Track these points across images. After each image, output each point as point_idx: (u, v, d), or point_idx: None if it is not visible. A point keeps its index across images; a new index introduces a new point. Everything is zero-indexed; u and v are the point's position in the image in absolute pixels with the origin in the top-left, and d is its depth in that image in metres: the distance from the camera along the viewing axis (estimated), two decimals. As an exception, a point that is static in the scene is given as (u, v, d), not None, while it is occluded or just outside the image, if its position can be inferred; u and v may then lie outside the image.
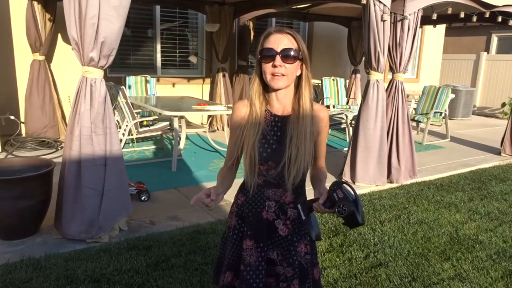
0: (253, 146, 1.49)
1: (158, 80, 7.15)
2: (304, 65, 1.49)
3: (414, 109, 7.87)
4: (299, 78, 1.51)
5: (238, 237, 1.60)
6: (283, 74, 1.44)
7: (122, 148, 4.57)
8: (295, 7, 7.04)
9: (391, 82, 4.73)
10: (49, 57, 6.15)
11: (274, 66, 1.43)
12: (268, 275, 1.56)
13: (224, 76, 7.30)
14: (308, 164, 1.52)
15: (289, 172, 1.48)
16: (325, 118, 1.58)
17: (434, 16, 5.20)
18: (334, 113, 7.22)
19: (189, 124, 7.02)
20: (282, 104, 1.53)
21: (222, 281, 1.61)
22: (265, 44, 1.45)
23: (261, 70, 1.47)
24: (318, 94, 8.20)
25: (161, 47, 7.38)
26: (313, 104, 1.54)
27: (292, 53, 1.43)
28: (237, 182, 1.70)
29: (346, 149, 5.27)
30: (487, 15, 5.38)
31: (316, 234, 1.41)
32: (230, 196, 4.34)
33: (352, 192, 1.36)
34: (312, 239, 1.49)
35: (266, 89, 1.53)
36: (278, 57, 1.42)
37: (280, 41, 1.43)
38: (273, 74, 1.44)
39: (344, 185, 1.38)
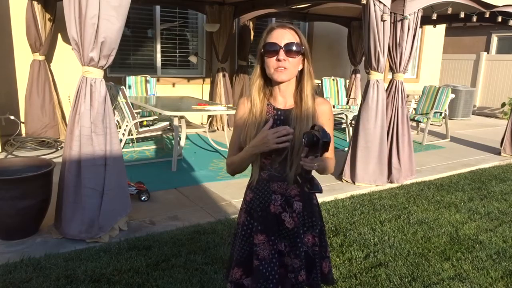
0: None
1: (158, 80, 7.15)
2: (305, 60, 1.53)
3: (414, 109, 7.87)
4: (301, 73, 1.55)
5: (246, 233, 1.62)
6: (286, 67, 1.47)
7: (122, 148, 4.57)
8: (295, 7, 7.05)
9: (391, 82, 4.73)
10: (49, 57, 6.15)
11: (278, 60, 1.46)
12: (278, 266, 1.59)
13: (224, 76, 7.30)
14: None
15: (291, 162, 1.50)
16: (327, 111, 1.59)
17: (434, 16, 5.20)
18: (334, 113, 7.21)
19: (189, 124, 7.02)
20: (284, 97, 1.56)
21: (231, 276, 1.63)
22: (268, 39, 1.48)
23: (263, 65, 1.51)
24: (318, 94, 8.20)
25: (161, 47, 7.38)
26: (316, 97, 1.57)
27: (295, 47, 1.47)
28: (245, 181, 1.70)
29: (346, 149, 5.28)
30: (487, 15, 5.38)
31: (314, 188, 1.40)
32: (231, 196, 4.32)
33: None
34: (309, 190, 1.45)
35: (268, 83, 1.56)
36: (281, 51, 1.46)
37: (283, 35, 1.47)
38: (276, 68, 1.47)
39: (315, 125, 1.41)
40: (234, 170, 1.62)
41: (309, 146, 1.35)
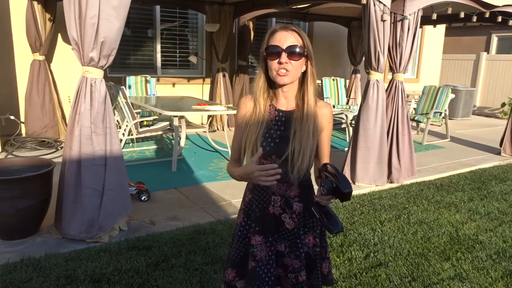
0: (255, 140, 1.51)
1: (158, 80, 7.15)
2: (309, 62, 1.52)
3: (414, 109, 7.87)
4: (304, 74, 1.53)
5: (243, 234, 1.62)
6: (288, 70, 1.46)
7: (122, 148, 4.57)
8: (295, 7, 7.05)
9: (391, 82, 4.73)
10: (49, 57, 6.15)
11: (279, 63, 1.45)
12: (277, 266, 1.59)
13: (224, 76, 7.30)
14: (311, 160, 1.53)
15: (292, 166, 1.50)
16: (328, 115, 1.58)
17: (434, 16, 5.20)
18: (334, 113, 7.20)
19: (189, 124, 7.02)
20: (286, 99, 1.56)
21: (224, 277, 1.63)
22: (271, 41, 1.47)
23: (267, 66, 1.50)
24: (318, 95, 8.21)
25: (161, 47, 7.38)
26: (317, 100, 1.56)
27: (297, 50, 1.45)
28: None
29: (346, 149, 5.27)
30: (487, 15, 5.39)
31: (334, 228, 1.40)
32: (231, 196, 4.32)
33: (333, 170, 1.40)
34: (330, 232, 1.46)
35: (271, 85, 1.55)
36: (283, 54, 1.44)
37: (285, 38, 1.45)
38: (279, 71, 1.46)
39: (327, 166, 1.43)
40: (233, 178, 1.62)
41: (329, 194, 1.35)
